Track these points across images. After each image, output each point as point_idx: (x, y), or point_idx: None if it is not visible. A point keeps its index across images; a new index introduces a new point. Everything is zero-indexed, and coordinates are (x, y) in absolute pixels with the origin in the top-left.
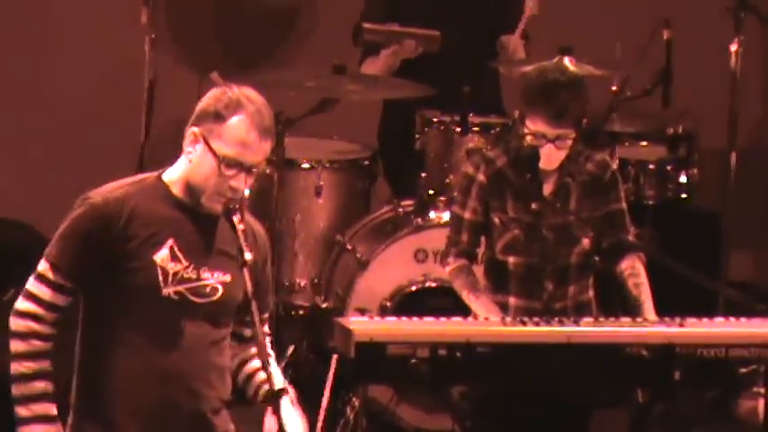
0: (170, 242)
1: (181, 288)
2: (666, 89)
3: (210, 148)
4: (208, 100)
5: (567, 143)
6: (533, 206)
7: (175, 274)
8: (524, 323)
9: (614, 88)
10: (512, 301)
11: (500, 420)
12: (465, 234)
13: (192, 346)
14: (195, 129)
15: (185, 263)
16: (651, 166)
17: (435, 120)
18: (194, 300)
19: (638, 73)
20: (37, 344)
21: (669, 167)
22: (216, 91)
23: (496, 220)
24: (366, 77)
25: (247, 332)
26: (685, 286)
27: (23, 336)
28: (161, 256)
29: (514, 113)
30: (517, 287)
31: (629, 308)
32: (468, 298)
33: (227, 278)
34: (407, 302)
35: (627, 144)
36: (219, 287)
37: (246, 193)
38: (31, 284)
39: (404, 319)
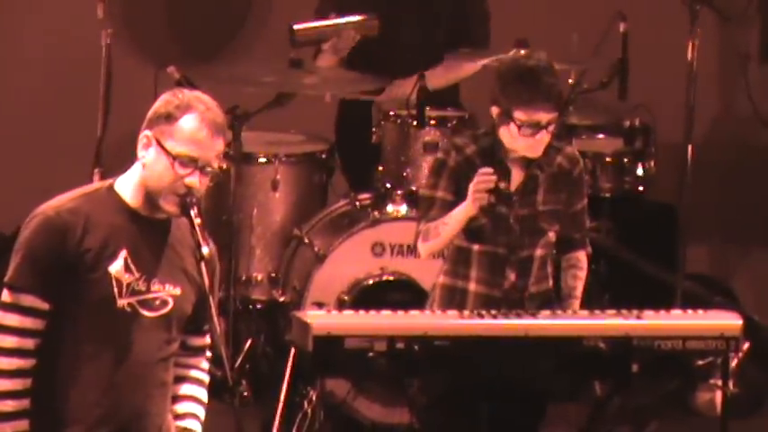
0: (123, 253)
1: (132, 300)
2: (623, 82)
3: (164, 149)
4: (158, 104)
5: (553, 127)
6: (492, 200)
7: (128, 285)
8: (482, 316)
9: (571, 81)
10: (472, 287)
11: (457, 414)
12: (435, 211)
13: (140, 361)
14: (148, 132)
15: (137, 274)
16: (608, 159)
17: (392, 113)
18: (144, 313)
19: (595, 66)
20: (19, 382)
21: (626, 160)
22: (166, 95)
23: None
24: (323, 71)
25: (192, 341)
26: (642, 279)
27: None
28: (115, 267)
29: (493, 111)
30: (479, 275)
31: (559, 293)
32: (441, 228)
33: (177, 291)
34: (365, 296)
35: (583, 137)
36: (170, 300)
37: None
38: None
39: (361, 312)
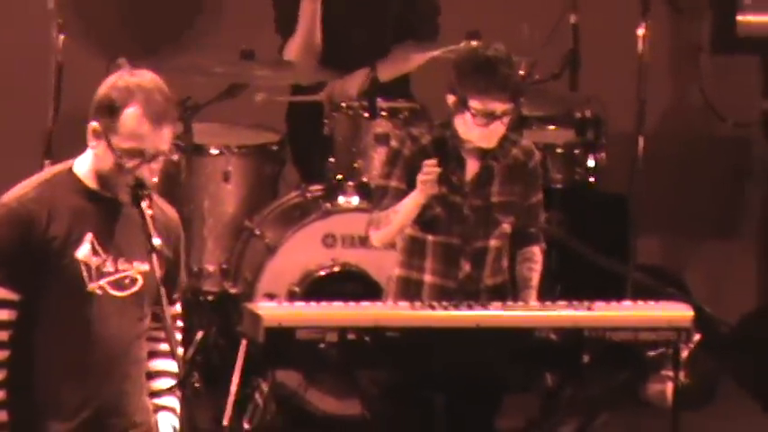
0: (89, 236)
1: (102, 282)
2: (574, 73)
3: (109, 144)
4: (103, 89)
5: (509, 118)
6: (443, 191)
7: (97, 268)
8: (433, 307)
9: (522, 72)
10: (427, 278)
11: (408, 405)
12: (388, 200)
13: (115, 341)
14: (94, 123)
15: (104, 255)
16: (559, 150)
17: (343, 105)
18: (115, 293)
19: (546, 57)
20: None
21: (577, 151)
22: (111, 78)
23: None
24: (274, 63)
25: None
26: (593, 270)
27: None
28: (83, 252)
29: (449, 99)
30: (434, 266)
31: (516, 286)
32: (393, 216)
33: (146, 267)
34: (316, 287)
35: (534, 128)
36: (139, 277)
37: (154, 180)
38: None
39: (312, 303)
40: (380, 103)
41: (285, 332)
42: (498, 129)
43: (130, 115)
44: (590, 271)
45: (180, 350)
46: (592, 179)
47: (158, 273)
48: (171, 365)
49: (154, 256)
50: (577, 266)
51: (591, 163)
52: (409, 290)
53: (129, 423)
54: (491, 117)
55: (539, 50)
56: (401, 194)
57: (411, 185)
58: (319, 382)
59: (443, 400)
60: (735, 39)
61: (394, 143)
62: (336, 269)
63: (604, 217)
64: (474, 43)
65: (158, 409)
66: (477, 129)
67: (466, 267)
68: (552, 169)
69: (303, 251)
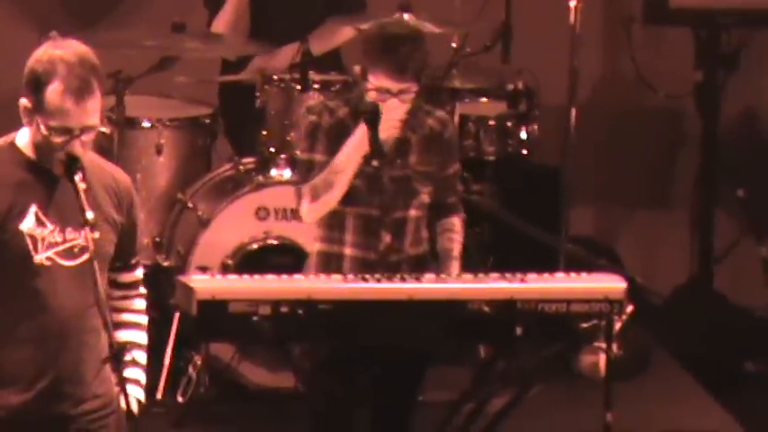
0: (33, 208)
1: (50, 253)
2: (506, 45)
3: (36, 121)
4: (30, 64)
5: (410, 97)
6: (373, 163)
7: (43, 239)
8: (366, 280)
9: (454, 45)
10: (347, 251)
11: (342, 377)
12: (316, 173)
13: (69, 311)
14: (24, 100)
15: (50, 226)
16: (491, 122)
17: (275, 77)
18: (64, 263)
19: (478, 29)
20: None
21: (509, 123)
22: (38, 51)
23: None
24: (205, 36)
25: (121, 278)
26: (526, 242)
27: None
28: (27, 224)
29: (355, 69)
30: (354, 238)
31: (436, 256)
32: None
33: (96, 234)
34: (249, 260)
35: (467, 100)
36: (89, 245)
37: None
38: None
39: (245, 276)
40: (312, 75)
41: (218, 305)
42: (396, 105)
43: (53, 92)
44: (523, 243)
45: (145, 318)
46: (524, 151)
47: (91, 246)
48: (136, 336)
49: (87, 230)
50: (510, 238)
51: (523, 135)
52: (330, 264)
53: (88, 393)
54: (385, 93)
55: (471, 23)
56: (325, 167)
57: (335, 155)
58: (252, 354)
59: (375, 372)
60: (667, 10)
61: (312, 116)
62: (269, 242)
63: (537, 189)
64: (405, 16)
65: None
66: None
67: (386, 239)
68: (485, 142)
69: (236, 224)
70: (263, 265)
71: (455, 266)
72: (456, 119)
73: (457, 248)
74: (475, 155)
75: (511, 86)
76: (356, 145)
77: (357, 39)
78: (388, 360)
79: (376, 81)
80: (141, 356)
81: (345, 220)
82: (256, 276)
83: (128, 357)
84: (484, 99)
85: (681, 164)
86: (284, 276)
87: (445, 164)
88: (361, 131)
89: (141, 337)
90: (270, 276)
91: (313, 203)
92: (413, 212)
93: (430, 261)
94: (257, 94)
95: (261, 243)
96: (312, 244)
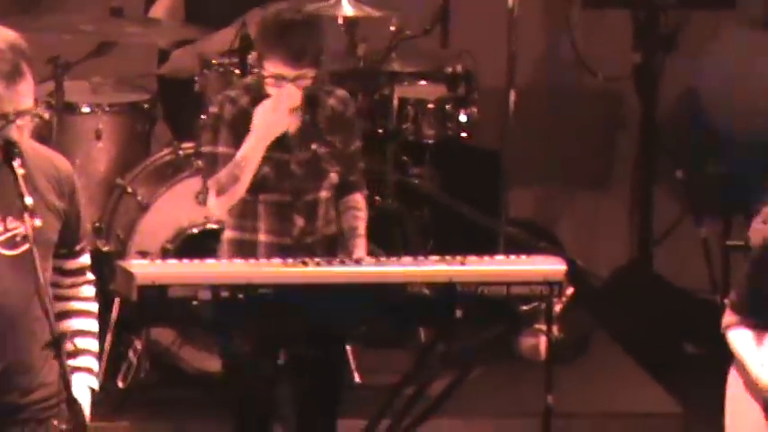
0: None
1: None
2: (445, 28)
3: None
4: None
5: (307, 82)
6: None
7: None
8: (306, 264)
9: (393, 28)
10: (261, 238)
11: (282, 361)
12: (221, 166)
13: (13, 301)
14: None
15: None
16: (430, 106)
17: (214, 61)
18: (6, 252)
19: (417, 12)
20: None
21: (448, 106)
22: None
23: None
24: (143, 20)
25: (67, 265)
26: (466, 225)
27: None
28: None
29: (252, 56)
30: (267, 224)
31: (343, 235)
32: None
33: (38, 222)
34: (189, 245)
35: (406, 83)
36: (31, 234)
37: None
38: None
39: (185, 261)
40: (251, 59)
41: (158, 290)
42: (294, 91)
43: None
44: (462, 226)
45: (95, 305)
46: (464, 134)
47: (30, 233)
48: (87, 324)
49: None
50: (450, 221)
51: (463, 118)
52: (243, 251)
53: (38, 382)
54: (281, 80)
55: (409, 6)
56: (230, 160)
57: (237, 149)
58: (193, 339)
59: (314, 355)
60: None
61: (213, 108)
62: (209, 226)
63: (477, 172)
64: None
65: (74, 369)
66: (273, 89)
67: (299, 222)
68: (424, 125)
69: (176, 209)
70: (203, 250)
71: (361, 244)
72: (395, 102)
73: (362, 226)
74: (414, 138)
75: (450, 69)
76: (257, 137)
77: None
78: (327, 344)
79: (272, 68)
80: (93, 344)
81: (257, 208)
82: (196, 261)
83: (79, 345)
84: (423, 82)
85: (620, 146)
86: (224, 261)
87: (348, 142)
88: (258, 121)
89: (92, 325)
90: (210, 261)
91: (220, 197)
92: (323, 194)
93: (340, 240)
94: (196, 78)
95: (200, 227)
96: None
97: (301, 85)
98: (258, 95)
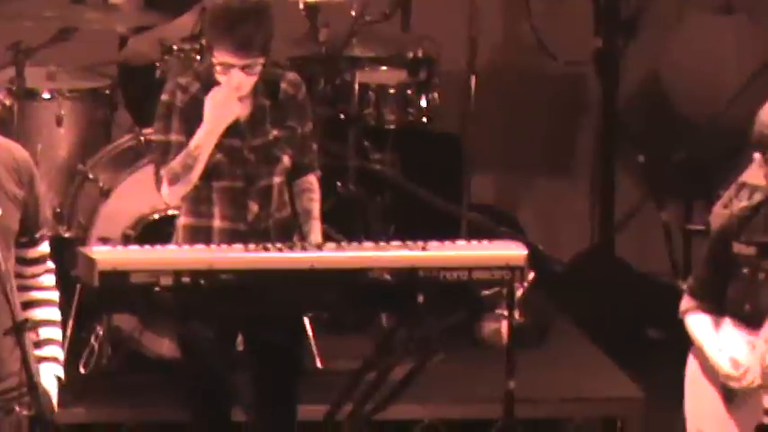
0: None
1: None
2: (406, 13)
3: None
4: None
5: (257, 69)
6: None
7: None
8: (267, 249)
9: (353, 13)
10: (216, 224)
11: (243, 346)
12: (173, 155)
13: None
14: None
15: None
16: (391, 91)
17: (175, 47)
18: None
19: None
20: None
21: (409, 91)
22: None
23: None
24: (104, 6)
25: (27, 254)
26: (428, 210)
27: None
28: None
29: (203, 43)
30: (221, 211)
31: (298, 218)
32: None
33: None
34: (150, 231)
35: (367, 69)
36: None
37: None
38: None
39: (147, 247)
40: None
41: (120, 276)
42: (244, 79)
43: None
44: (424, 211)
45: (56, 294)
46: (425, 119)
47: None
48: (49, 313)
49: None
50: (411, 207)
51: (424, 103)
52: (198, 237)
53: (4, 371)
54: (230, 69)
55: None
56: (182, 148)
57: (189, 138)
58: (155, 325)
59: (276, 341)
60: None
61: (164, 96)
62: (171, 212)
63: (438, 157)
64: None
65: (40, 359)
66: (223, 77)
67: (254, 208)
68: (385, 110)
69: (137, 195)
70: (164, 236)
71: (316, 227)
72: (356, 87)
73: (316, 208)
74: (375, 123)
75: (411, 54)
76: (209, 126)
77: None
78: (289, 329)
79: (220, 57)
80: (57, 333)
81: (211, 194)
82: (158, 247)
83: (44, 335)
84: (384, 67)
85: (581, 131)
86: (185, 246)
87: (300, 125)
88: (209, 110)
89: (55, 314)
90: (171, 247)
91: (173, 186)
92: (276, 179)
93: (294, 223)
94: (157, 64)
95: (162, 213)
96: None
97: (251, 73)
98: (209, 83)
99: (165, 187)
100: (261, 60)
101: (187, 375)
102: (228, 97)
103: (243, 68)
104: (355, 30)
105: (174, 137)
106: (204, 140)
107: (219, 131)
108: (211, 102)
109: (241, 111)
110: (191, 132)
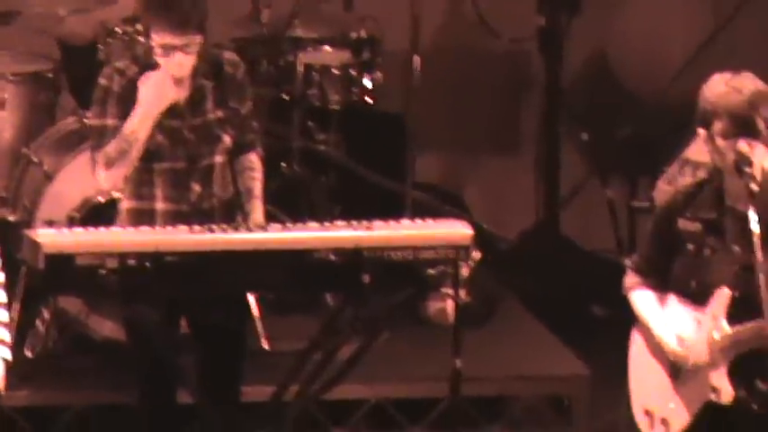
0: None
1: None
2: None
3: None
4: None
5: (195, 49)
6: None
7: None
8: (212, 231)
9: None
10: (158, 206)
11: (188, 328)
12: (109, 139)
13: None
14: None
15: None
16: (335, 71)
17: (117, 30)
18: None
19: None
20: None
21: (353, 72)
22: None
23: None
24: None
25: None
26: (373, 190)
27: None
28: None
29: (139, 26)
30: (164, 192)
31: (241, 196)
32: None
33: None
34: (95, 213)
35: (310, 49)
36: None
37: None
38: None
39: (92, 229)
40: None
41: (65, 259)
42: (183, 59)
43: None
44: (369, 191)
45: (1, 276)
46: (369, 99)
47: None
48: None
49: None
50: (356, 187)
51: (368, 83)
52: (141, 220)
53: None
54: (172, 49)
55: None
56: (119, 133)
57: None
58: (100, 307)
59: (221, 322)
60: None
61: (102, 80)
62: (115, 195)
63: (382, 137)
64: None
65: None
66: (163, 59)
67: (196, 188)
68: (329, 91)
69: (82, 177)
70: (109, 218)
71: (258, 206)
72: (300, 68)
73: (258, 187)
74: (319, 104)
75: (354, 34)
76: (144, 110)
77: None
78: (234, 310)
79: (159, 38)
80: (2, 315)
81: (153, 177)
82: (103, 229)
83: None
84: (327, 48)
85: (525, 108)
86: (130, 229)
87: (240, 104)
88: (144, 95)
89: (0, 297)
90: (116, 229)
91: (109, 171)
92: (218, 158)
93: (237, 202)
94: (100, 46)
95: (106, 196)
96: None
97: (189, 52)
98: (147, 66)
99: (100, 171)
100: (198, 39)
101: (133, 358)
102: (163, 81)
103: (181, 48)
104: (298, 10)
105: (109, 121)
106: (138, 125)
107: (154, 116)
108: (145, 86)
109: (178, 93)
110: (127, 117)
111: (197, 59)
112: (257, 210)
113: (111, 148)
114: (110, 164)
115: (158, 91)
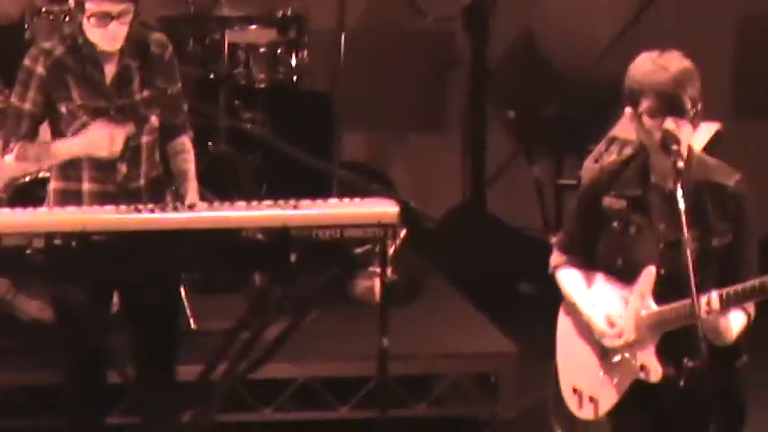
0: None
1: None
2: None
3: None
4: None
5: (129, 18)
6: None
7: None
8: (139, 210)
9: None
10: (85, 187)
11: (117, 308)
12: (25, 125)
13: None
14: None
15: None
16: (262, 50)
17: (44, 9)
18: None
19: None
20: None
21: (280, 50)
22: None
23: (63, 109)
24: None
25: None
26: (299, 169)
27: None
28: None
29: (70, 3)
30: (91, 173)
31: (172, 179)
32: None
33: None
34: (21, 193)
35: (236, 28)
36: None
37: None
38: None
39: (18, 209)
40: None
41: None
42: (118, 30)
43: None
44: (295, 170)
45: None
46: (295, 78)
47: None
48: None
49: None
50: (283, 166)
51: (294, 62)
52: (69, 201)
53: None
54: (107, 18)
55: None
56: (35, 119)
57: (46, 108)
58: (27, 287)
59: (151, 302)
60: None
61: (26, 61)
62: (42, 175)
63: (309, 115)
64: None
65: None
66: (96, 30)
67: (123, 169)
68: (255, 69)
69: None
70: (35, 198)
71: (193, 188)
72: (226, 47)
73: (191, 169)
74: (246, 83)
75: (280, 13)
76: (74, 151)
77: None
78: (162, 290)
79: (94, 7)
80: None
81: (80, 158)
82: (29, 209)
83: None
84: (253, 26)
85: (452, 87)
86: (56, 209)
87: (168, 85)
88: (86, 141)
89: None
90: (42, 209)
91: (18, 162)
92: (145, 138)
93: (165, 182)
94: (26, 26)
95: (33, 176)
96: None
97: (124, 22)
98: (75, 44)
99: (10, 158)
100: (132, 8)
101: (61, 338)
102: (110, 137)
103: (117, 17)
104: None
105: (27, 106)
106: (65, 154)
107: (83, 155)
108: (93, 132)
109: (113, 154)
110: (46, 103)
111: (125, 40)
112: (192, 191)
113: (32, 149)
114: (21, 159)
115: (100, 143)
